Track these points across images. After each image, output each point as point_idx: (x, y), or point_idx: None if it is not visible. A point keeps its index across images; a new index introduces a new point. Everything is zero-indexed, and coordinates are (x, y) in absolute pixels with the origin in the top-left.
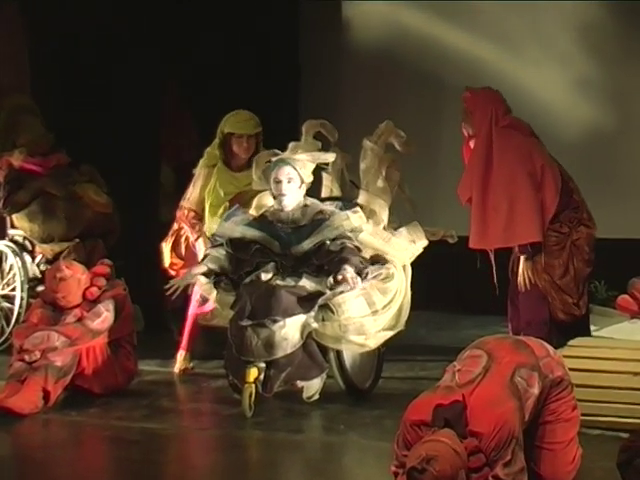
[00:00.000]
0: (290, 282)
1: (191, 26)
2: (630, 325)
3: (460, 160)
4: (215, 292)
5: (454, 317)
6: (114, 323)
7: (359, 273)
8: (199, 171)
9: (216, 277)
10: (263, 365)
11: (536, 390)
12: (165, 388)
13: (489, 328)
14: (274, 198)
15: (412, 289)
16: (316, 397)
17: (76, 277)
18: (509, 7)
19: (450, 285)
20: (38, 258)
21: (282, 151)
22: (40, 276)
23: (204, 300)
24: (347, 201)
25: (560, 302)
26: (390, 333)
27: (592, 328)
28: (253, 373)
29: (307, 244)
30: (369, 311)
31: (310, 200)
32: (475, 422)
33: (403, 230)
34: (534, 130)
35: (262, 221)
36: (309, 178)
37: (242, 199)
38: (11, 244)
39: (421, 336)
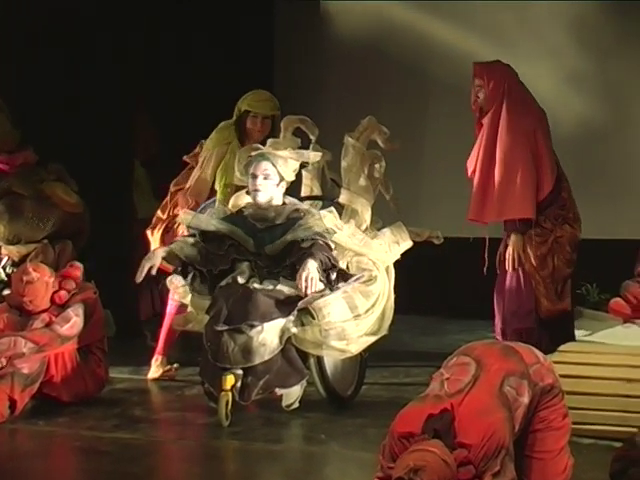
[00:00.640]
0: (268, 285)
1: (159, 24)
2: (623, 329)
3: (445, 158)
4: (190, 295)
5: (439, 321)
6: (84, 328)
7: (326, 270)
8: (210, 151)
9: (182, 267)
10: (240, 372)
11: (526, 399)
12: (137, 396)
13: (475, 333)
14: (248, 194)
15: (395, 292)
16: (296, 405)
17: (44, 280)
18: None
19: (435, 288)
20: (4, 260)
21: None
22: (6, 279)
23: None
24: (329, 200)
25: (544, 287)
26: (373, 338)
27: (583, 332)
28: (230, 380)
29: (280, 243)
30: (351, 315)
31: (289, 199)
32: (464, 433)
33: (387, 231)
34: None
35: (238, 217)
36: (290, 177)
37: None
38: None
39: (405, 341)
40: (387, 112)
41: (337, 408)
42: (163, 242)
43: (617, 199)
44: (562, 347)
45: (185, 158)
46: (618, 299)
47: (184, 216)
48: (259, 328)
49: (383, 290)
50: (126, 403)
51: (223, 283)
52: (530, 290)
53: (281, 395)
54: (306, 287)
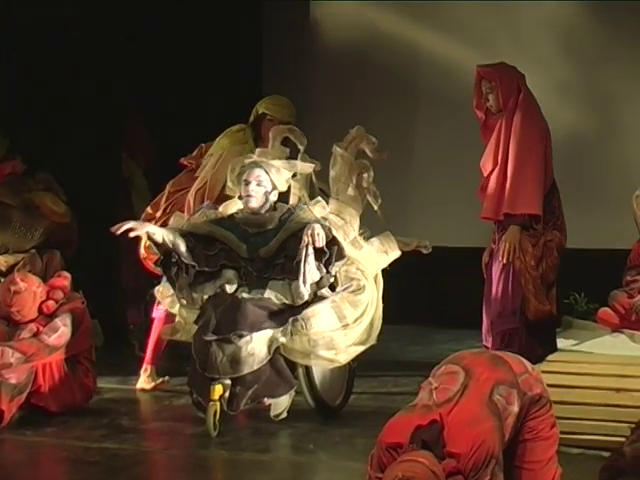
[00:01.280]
0: (256, 295)
1: (147, 28)
2: (611, 339)
3: (434, 166)
4: (177, 305)
5: (427, 331)
6: (72, 338)
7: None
8: (225, 149)
9: (165, 257)
10: (228, 382)
11: (515, 408)
12: (125, 406)
13: (464, 342)
14: (240, 199)
15: (384, 302)
16: (284, 415)
17: (31, 290)
18: (485, 7)
19: (423, 298)
20: None
21: None
22: None
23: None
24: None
25: (533, 285)
26: (361, 348)
27: (572, 342)
28: (218, 390)
29: (275, 243)
30: (339, 325)
31: (279, 204)
32: (453, 442)
33: (375, 240)
34: None
35: (231, 222)
36: (283, 186)
37: None
38: None
39: (393, 351)
40: (375, 121)
41: (325, 418)
42: None
43: (605, 208)
44: (550, 357)
45: (183, 160)
46: (606, 309)
47: (178, 218)
48: (248, 338)
49: (371, 299)
50: (114, 413)
51: (212, 293)
52: (517, 290)
53: (269, 405)
54: (314, 241)
